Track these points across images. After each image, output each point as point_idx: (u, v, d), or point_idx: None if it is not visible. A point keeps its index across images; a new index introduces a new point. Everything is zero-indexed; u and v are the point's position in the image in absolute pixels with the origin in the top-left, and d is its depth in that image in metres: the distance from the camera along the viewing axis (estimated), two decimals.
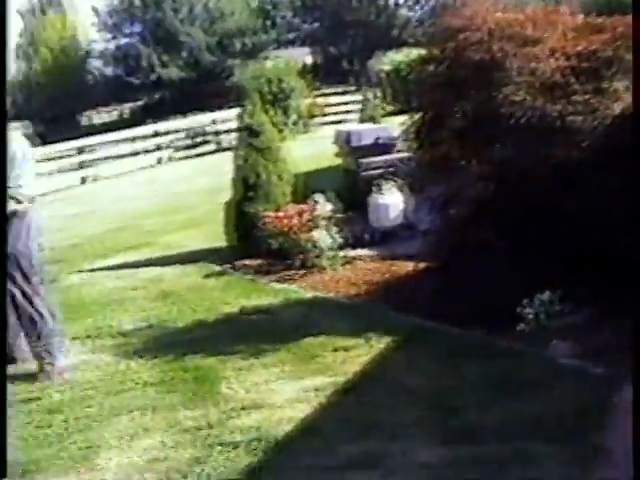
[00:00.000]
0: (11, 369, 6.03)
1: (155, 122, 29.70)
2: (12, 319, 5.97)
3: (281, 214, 7.84)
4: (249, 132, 8.47)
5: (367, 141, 9.10)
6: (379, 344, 5.51)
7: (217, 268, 8.15)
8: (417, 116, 6.11)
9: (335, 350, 5.56)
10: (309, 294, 7.06)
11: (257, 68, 24.71)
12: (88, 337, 6.59)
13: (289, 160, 8.86)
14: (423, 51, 6.40)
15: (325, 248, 7.54)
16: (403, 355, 5.37)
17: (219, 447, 4.39)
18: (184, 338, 6.26)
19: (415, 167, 6.97)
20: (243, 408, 4.85)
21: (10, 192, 5.67)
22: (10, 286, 5.68)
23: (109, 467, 4.38)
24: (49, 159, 19.74)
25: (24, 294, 5.73)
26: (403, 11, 38.29)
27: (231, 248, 8.51)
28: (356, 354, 5.43)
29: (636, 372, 3.37)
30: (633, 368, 3.42)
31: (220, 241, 8.79)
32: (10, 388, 5.64)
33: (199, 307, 6.99)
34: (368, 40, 34.44)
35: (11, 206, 5.69)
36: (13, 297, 5.73)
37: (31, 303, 5.77)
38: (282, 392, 5.01)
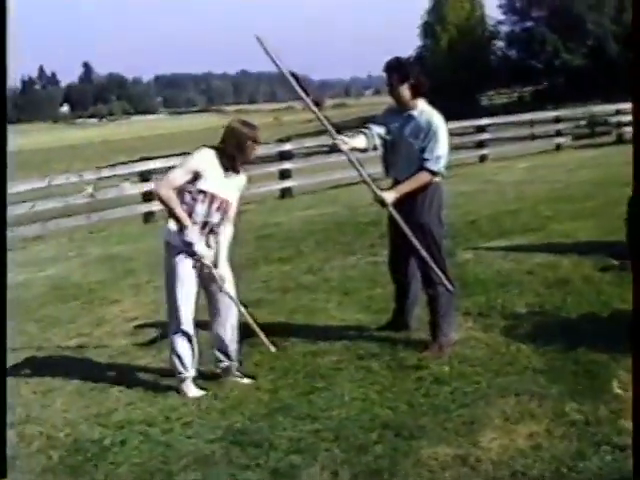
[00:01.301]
0: (402, 335, 6.30)
1: (555, 107, 29.30)
2: (415, 286, 6.21)
3: None
4: None
5: None
6: None
7: (614, 262, 7.85)
8: None
9: None
10: None
11: None
12: (480, 315, 6.66)
13: None
14: None
15: None
16: None
17: (605, 446, 4.27)
18: (576, 329, 6.11)
19: None
20: None
21: (426, 164, 5.85)
22: (424, 255, 5.89)
23: (491, 447, 4.41)
24: (449, 135, 20.13)
25: (437, 264, 5.92)
26: None
27: (628, 243, 8.17)
28: None
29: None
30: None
31: (616, 235, 8.47)
32: (403, 354, 5.89)
33: (594, 300, 6.80)
34: None
35: (425, 178, 5.89)
36: (424, 266, 5.96)
37: (444, 273, 5.94)
38: None
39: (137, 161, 17.20)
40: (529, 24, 60.04)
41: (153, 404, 5.50)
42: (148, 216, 15.37)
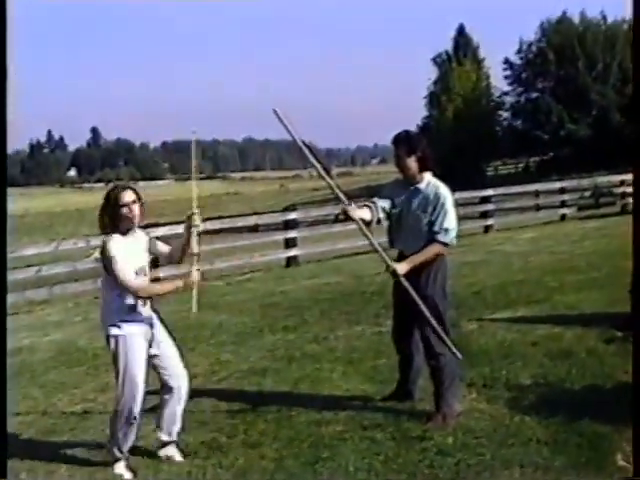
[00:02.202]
0: (407, 405, 6.31)
1: (560, 178, 29.55)
2: (419, 357, 6.24)
3: None
4: None
5: None
6: None
7: (618, 334, 7.88)
8: None
9: None
10: None
11: None
12: (484, 386, 6.66)
13: None
14: None
15: None
16: None
17: None
18: (580, 401, 6.11)
19: None
20: None
21: (437, 237, 5.94)
22: (424, 326, 5.95)
23: None
24: (455, 205, 20.24)
25: (438, 335, 5.94)
26: None
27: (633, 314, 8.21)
28: None
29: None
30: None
31: (620, 306, 8.50)
32: (408, 424, 5.90)
33: (598, 372, 6.81)
34: None
35: (437, 249, 5.97)
36: (427, 337, 6.00)
37: (445, 344, 5.96)
38: None
39: (143, 227, 17.29)
40: (534, 95, 60.75)
41: (158, 471, 5.50)
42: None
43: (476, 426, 5.76)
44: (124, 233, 5.48)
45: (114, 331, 5.49)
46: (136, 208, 5.47)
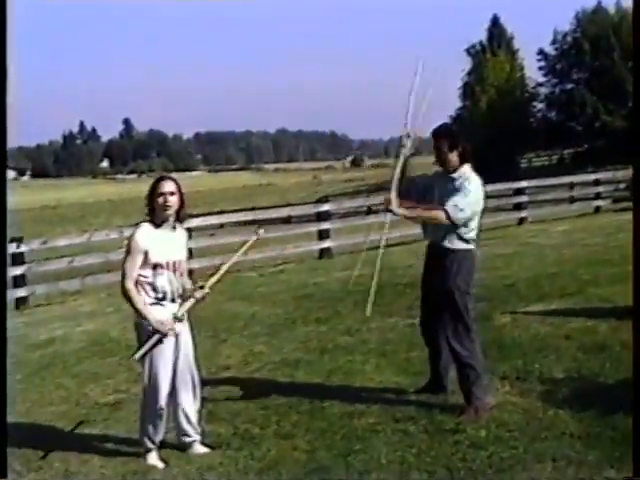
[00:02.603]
0: (439, 398, 6.27)
1: (595, 170, 29.23)
2: (446, 351, 6.20)
3: None
4: None
5: None
6: None
7: None
8: None
9: None
10: None
11: None
12: (517, 379, 6.61)
13: None
14: None
15: None
16: None
17: None
18: (614, 395, 6.02)
19: None
20: None
21: (445, 205, 5.90)
22: (451, 319, 5.92)
23: None
24: (487, 197, 20.04)
25: (456, 332, 5.95)
26: None
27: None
28: None
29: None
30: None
31: None
32: (440, 417, 5.87)
33: (632, 365, 6.74)
34: None
35: (436, 214, 5.93)
36: (455, 330, 5.98)
37: (469, 338, 5.95)
38: None
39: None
40: (569, 86, 60.17)
41: (190, 462, 5.52)
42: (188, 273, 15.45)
43: (509, 419, 5.73)
44: (158, 225, 5.49)
45: (140, 320, 5.51)
46: (173, 199, 5.47)
